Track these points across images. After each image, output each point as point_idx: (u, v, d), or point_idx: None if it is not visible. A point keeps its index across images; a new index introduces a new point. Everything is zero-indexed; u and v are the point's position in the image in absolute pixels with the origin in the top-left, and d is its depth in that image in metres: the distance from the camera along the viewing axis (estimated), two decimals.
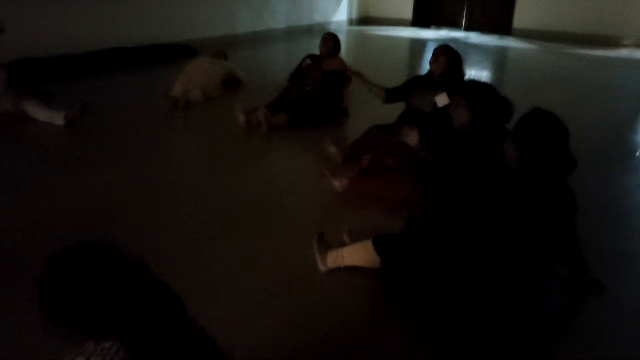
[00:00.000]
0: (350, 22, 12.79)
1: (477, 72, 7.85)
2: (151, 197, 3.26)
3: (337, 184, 3.30)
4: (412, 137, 2.98)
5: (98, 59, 6.69)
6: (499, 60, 9.10)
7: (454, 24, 12.58)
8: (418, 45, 10.36)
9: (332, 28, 11.96)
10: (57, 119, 4.32)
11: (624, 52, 9.49)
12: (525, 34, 11.00)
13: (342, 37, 11.64)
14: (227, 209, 3.12)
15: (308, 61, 4.81)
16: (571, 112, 5.57)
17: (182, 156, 3.93)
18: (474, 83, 2.95)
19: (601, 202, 3.39)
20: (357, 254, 2.38)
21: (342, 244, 2.58)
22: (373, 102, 4.14)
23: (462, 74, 3.73)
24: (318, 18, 11.43)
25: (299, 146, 4.14)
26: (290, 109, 4.53)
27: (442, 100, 3.51)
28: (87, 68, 6.49)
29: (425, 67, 8.61)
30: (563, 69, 8.05)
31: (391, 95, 3.98)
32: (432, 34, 11.83)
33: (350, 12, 12.71)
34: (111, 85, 5.95)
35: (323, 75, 4.65)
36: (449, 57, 3.65)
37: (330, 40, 4.75)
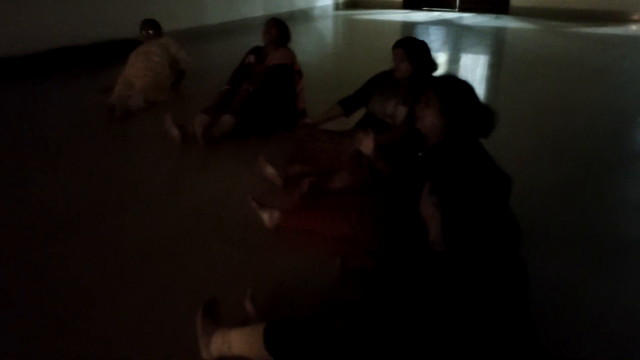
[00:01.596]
0: (337, 6, 12.00)
1: (468, 58, 7.09)
2: (45, 227, 2.63)
3: (267, 218, 2.61)
4: (366, 144, 2.39)
5: (35, 61, 5.92)
6: (494, 43, 8.31)
7: (447, 5, 11.76)
8: (409, 29, 9.57)
9: (316, 14, 11.19)
10: None
11: (633, 29, 8.66)
12: (524, 12, 10.20)
13: (328, 24, 11.12)
14: (125, 251, 2.45)
15: (251, 58, 4.08)
16: (569, 102, 4.84)
17: (96, 179, 3.24)
18: (452, 80, 2.24)
19: (592, 234, 2.69)
20: (246, 342, 1.69)
21: (245, 318, 1.92)
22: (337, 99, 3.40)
23: (432, 67, 2.99)
24: (300, 4, 10.65)
25: (239, 164, 3.43)
26: (232, 115, 3.81)
27: (402, 113, 2.83)
28: (21, 72, 5.73)
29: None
30: (564, 50, 7.26)
31: (348, 105, 3.25)
32: (424, 16, 11.03)
33: None
34: (44, 91, 5.22)
35: (264, 71, 3.93)
36: (412, 57, 2.90)
37: (274, 27, 3.97)
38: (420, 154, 2.29)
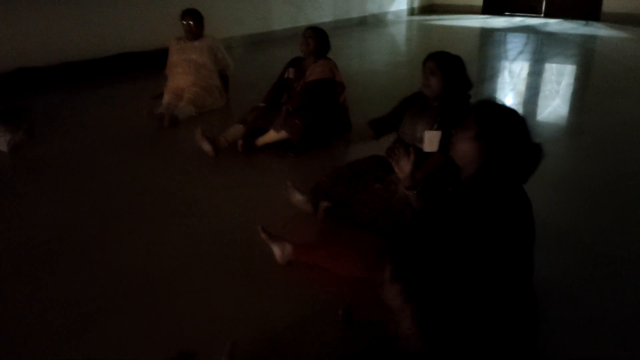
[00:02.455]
0: (412, 11, 11.57)
1: (547, 69, 6.47)
2: (67, 241, 2.59)
3: (278, 252, 2.37)
4: (403, 166, 2.11)
5: (82, 69, 5.95)
6: (580, 52, 7.57)
7: (531, 10, 10.98)
8: (486, 36, 9.00)
9: (390, 19, 10.84)
10: (1, 144, 3.72)
11: None
12: (617, 19, 9.28)
13: (401, 30, 10.70)
14: (119, 278, 2.30)
15: (291, 72, 3.83)
16: None
17: (116, 196, 3.14)
18: (494, 104, 1.93)
19: None
20: None
21: None
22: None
23: (466, 85, 2.63)
24: (372, 8, 10.34)
25: (267, 185, 3.20)
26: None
27: (431, 140, 2.48)
28: (68, 79, 5.80)
29: (497, 57, 7.37)
30: None
31: (377, 127, 2.94)
32: (505, 22, 10.35)
33: (411, 0, 11.47)
34: (93, 100, 5.28)
35: (303, 88, 3.68)
36: (444, 72, 2.55)
37: (312, 37, 3.70)
38: (450, 189, 1.97)
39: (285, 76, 3.85)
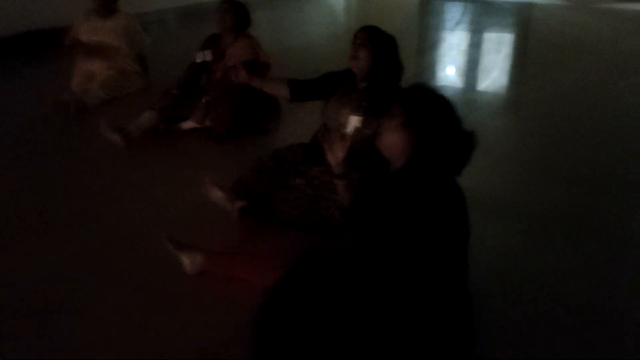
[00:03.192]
0: None
1: (486, 40, 6.34)
2: None
3: (187, 263, 2.06)
4: (336, 151, 1.90)
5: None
6: (517, 22, 7.48)
7: None
8: (427, 5, 8.78)
9: None
10: None
11: None
12: None
13: (339, 2, 10.30)
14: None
15: (207, 55, 3.40)
16: (594, 99, 4.12)
17: (19, 197, 2.73)
18: (423, 90, 1.71)
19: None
20: None
21: None
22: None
23: (397, 68, 2.38)
24: None
25: (188, 180, 2.85)
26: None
27: (355, 125, 2.23)
28: None
29: (436, 28, 7.18)
30: (595, 31, 6.44)
31: (297, 90, 2.60)
32: None
33: None
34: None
35: (223, 76, 3.31)
36: (375, 46, 2.30)
37: (229, 12, 3.31)
38: (376, 183, 1.76)
39: (200, 60, 3.43)
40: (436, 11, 8.15)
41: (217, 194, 2.48)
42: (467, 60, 5.44)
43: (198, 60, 3.44)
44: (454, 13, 7.85)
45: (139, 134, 3.25)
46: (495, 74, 4.93)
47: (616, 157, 3.13)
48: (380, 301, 1.48)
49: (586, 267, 2.14)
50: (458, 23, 7.27)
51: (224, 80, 3.28)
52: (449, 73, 5.03)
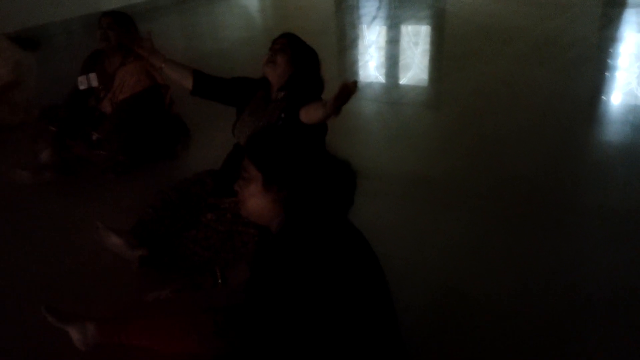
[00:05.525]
0: None
1: (404, 35, 6.23)
2: None
3: (77, 336, 1.71)
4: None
5: None
6: (432, 14, 7.45)
7: None
8: (342, 1, 8.60)
9: None
10: None
11: None
12: None
13: (253, 1, 9.93)
14: None
15: (92, 79, 2.96)
16: (511, 91, 4.06)
17: None
18: (267, 139, 1.44)
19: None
20: None
21: None
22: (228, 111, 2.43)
23: (317, 87, 2.17)
24: None
25: (79, 223, 2.46)
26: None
27: None
28: None
29: (352, 25, 7.00)
30: (507, 18, 6.48)
31: (201, 83, 2.31)
32: None
33: None
34: None
35: (116, 107, 2.92)
36: (294, 52, 2.12)
37: (111, 27, 2.86)
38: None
39: (84, 87, 2.99)
40: (352, 7, 7.99)
41: (113, 241, 2.13)
42: (387, 57, 5.30)
43: (82, 88, 2.99)
44: (369, 8, 7.72)
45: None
46: (415, 70, 4.80)
47: (539, 150, 3.06)
48: None
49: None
50: (374, 18, 7.15)
51: (117, 114, 2.90)
52: (369, 71, 4.86)
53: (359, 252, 1.32)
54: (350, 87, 1.71)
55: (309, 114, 2.00)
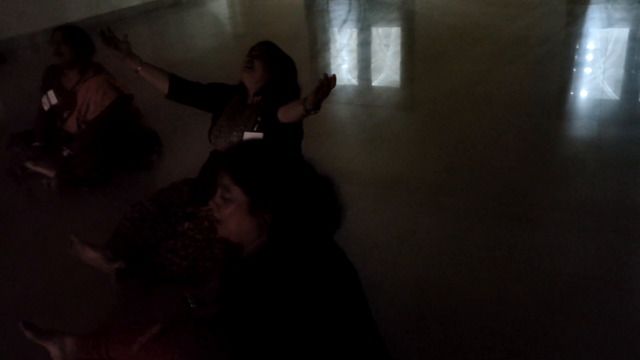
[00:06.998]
0: None
1: (374, 38, 6.28)
2: None
3: (56, 352, 1.67)
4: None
5: None
6: (402, 16, 7.54)
7: None
8: (312, 6, 8.64)
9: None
10: None
11: None
12: None
13: (222, 8, 9.86)
14: None
15: (52, 97, 2.91)
16: (484, 90, 4.13)
17: None
18: (251, 155, 1.37)
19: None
20: None
21: None
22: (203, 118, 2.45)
23: (294, 95, 2.19)
24: None
25: (54, 238, 2.42)
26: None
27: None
28: None
29: (323, 29, 7.03)
30: (476, 18, 6.59)
31: (177, 87, 2.31)
32: None
33: None
34: None
35: (86, 128, 2.88)
36: (272, 57, 2.16)
37: (63, 42, 2.79)
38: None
39: (47, 107, 2.94)
40: (322, 11, 8.03)
41: (89, 255, 2.09)
42: (359, 60, 5.34)
43: (46, 108, 2.94)
44: (339, 12, 7.77)
45: None
46: (387, 72, 4.85)
47: (512, 147, 3.12)
48: None
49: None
50: (345, 22, 7.20)
51: (89, 133, 2.87)
52: (342, 74, 4.89)
53: (341, 273, 1.31)
54: (330, 81, 1.76)
55: (289, 112, 2.02)
